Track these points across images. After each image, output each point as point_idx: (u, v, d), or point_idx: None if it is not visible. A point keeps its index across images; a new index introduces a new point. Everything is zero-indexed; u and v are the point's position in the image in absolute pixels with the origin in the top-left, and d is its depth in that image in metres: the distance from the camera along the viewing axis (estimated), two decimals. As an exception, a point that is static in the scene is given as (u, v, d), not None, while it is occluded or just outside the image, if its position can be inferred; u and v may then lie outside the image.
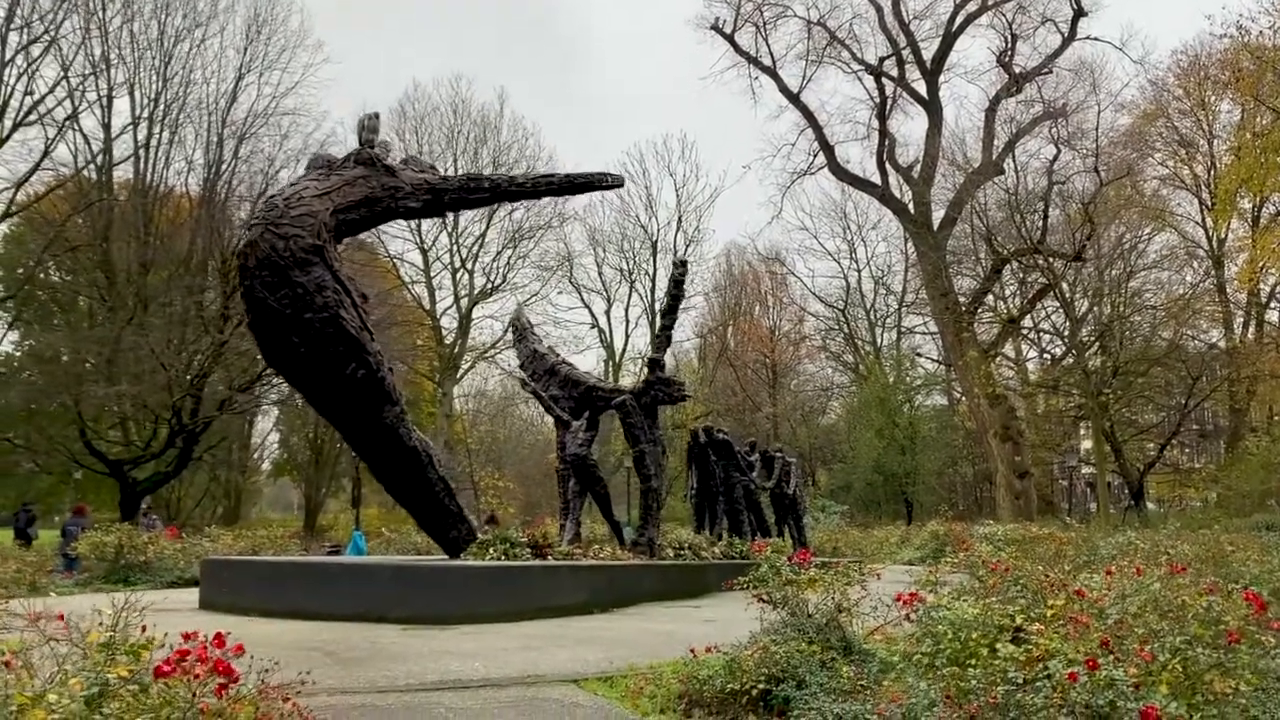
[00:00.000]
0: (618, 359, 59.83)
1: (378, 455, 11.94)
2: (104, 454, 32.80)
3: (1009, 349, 57.22)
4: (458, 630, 9.78)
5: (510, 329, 18.73)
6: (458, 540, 12.56)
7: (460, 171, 49.75)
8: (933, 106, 51.60)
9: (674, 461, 37.57)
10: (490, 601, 10.77)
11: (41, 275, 43.56)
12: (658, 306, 59.44)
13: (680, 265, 16.66)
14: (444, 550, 12.71)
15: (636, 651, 8.50)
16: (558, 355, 17.29)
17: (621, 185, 12.78)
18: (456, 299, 50.60)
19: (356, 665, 7.74)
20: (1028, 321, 53.64)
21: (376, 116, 12.00)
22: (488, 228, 50.65)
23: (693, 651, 7.16)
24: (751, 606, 7.97)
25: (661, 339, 16.46)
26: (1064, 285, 46.20)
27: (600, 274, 58.03)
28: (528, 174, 13.55)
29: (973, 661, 5.23)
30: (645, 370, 16.62)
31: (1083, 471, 59.26)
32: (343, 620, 10.35)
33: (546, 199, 43.11)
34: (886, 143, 52.59)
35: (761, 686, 6.54)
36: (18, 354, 45.65)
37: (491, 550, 12.27)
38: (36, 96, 32.71)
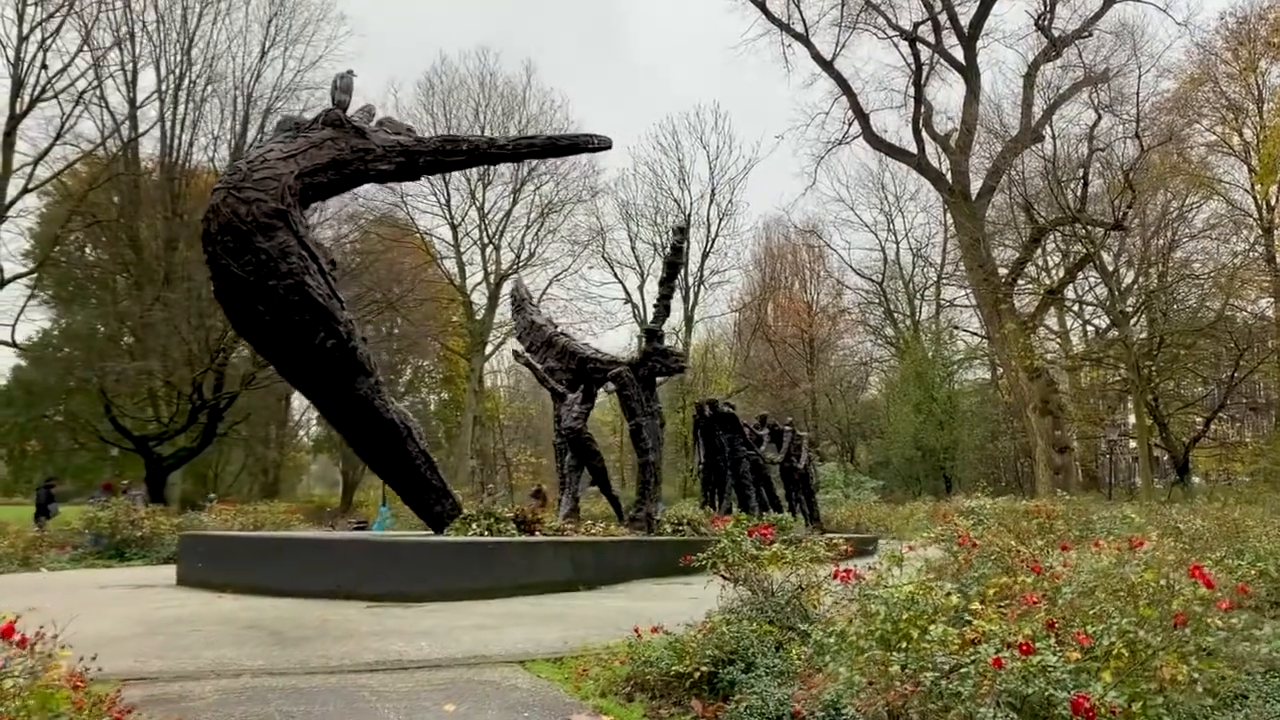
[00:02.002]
0: (654, 336, 59.23)
1: (354, 428, 11.62)
2: (129, 430, 32.97)
3: (1052, 321, 56.01)
4: (423, 608, 9.44)
5: (510, 300, 18.25)
6: (441, 515, 12.26)
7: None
8: (970, 72, 50.32)
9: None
10: (464, 579, 10.42)
11: (77, 253, 43.97)
12: (690, 281, 58.98)
13: (679, 231, 16.16)
14: (428, 525, 12.41)
15: (600, 631, 8.11)
16: (556, 326, 16.88)
17: (609, 147, 12.30)
18: (486, 274, 50.36)
19: (296, 645, 7.42)
20: (1070, 293, 52.35)
21: (350, 75, 11.63)
22: (515, 202, 50.31)
23: (636, 631, 6.75)
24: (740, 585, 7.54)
25: (660, 309, 15.95)
26: (1105, 255, 44.92)
27: (633, 248, 57.43)
28: (508, 136, 13.09)
29: (904, 644, 4.76)
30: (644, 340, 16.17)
31: (1130, 445, 57.97)
32: (313, 597, 10.06)
33: (551, 161, 42.22)
34: (923, 110, 51.44)
35: (705, 669, 6.16)
36: (54, 332, 46.14)
37: (474, 525, 11.91)
38: (53, 71, 32.82)
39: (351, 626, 8.30)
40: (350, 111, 11.59)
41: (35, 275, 40.09)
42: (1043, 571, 5.38)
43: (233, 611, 9.18)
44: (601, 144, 12.28)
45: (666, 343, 16.01)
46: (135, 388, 34.45)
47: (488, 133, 48.50)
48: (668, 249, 16.06)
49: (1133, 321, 45.29)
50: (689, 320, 58.93)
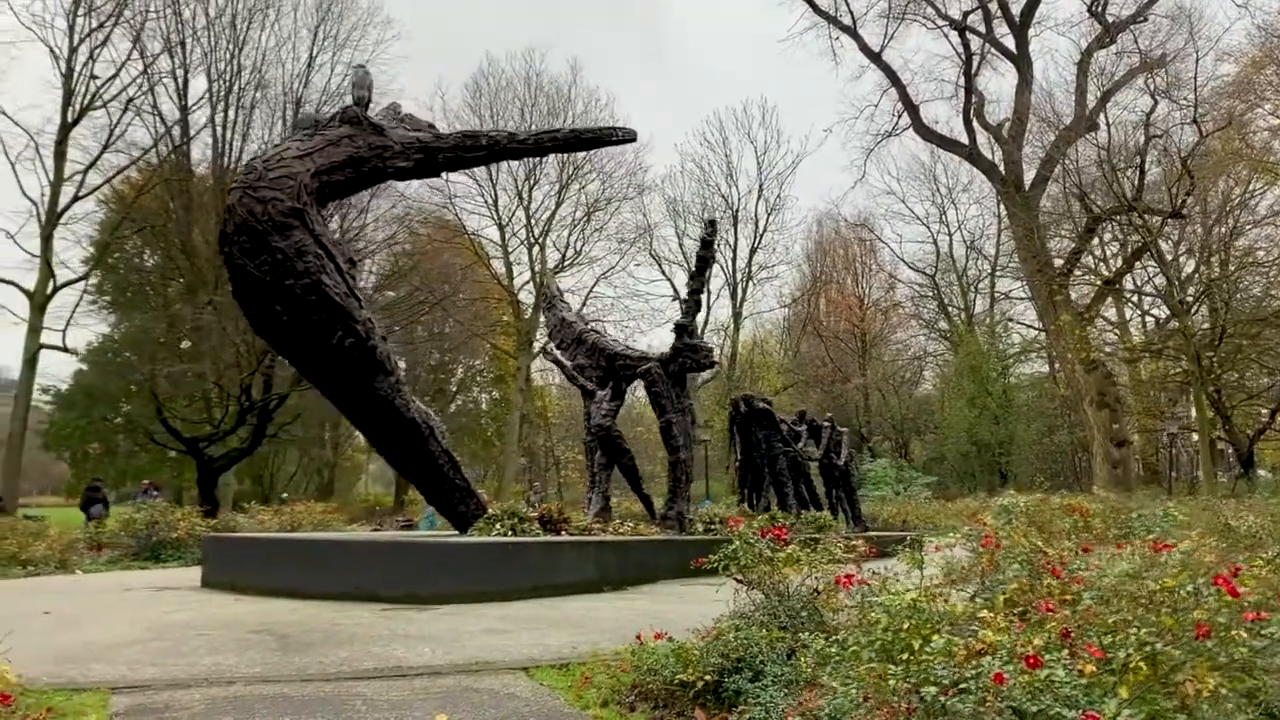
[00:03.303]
0: (700, 331, 58.81)
1: (375, 427, 11.49)
2: (179, 432, 33.34)
3: (1110, 312, 54.68)
4: (437, 611, 9.26)
5: (541, 297, 18.04)
6: (466, 515, 12.09)
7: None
8: (1022, 61, 49.27)
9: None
10: (482, 581, 10.22)
11: (135, 259, 44.64)
12: (739, 277, 58.54)
13: (709, 225, 15.83)
14: (453, 525, 12.25)
15: (614, 636, 7.85)
16: (586, 323, 16.65)
17: (634, 139, 12.03)
18: (534, 274, 50.31)
19: (299, 651, 7.27)
20: (1129, 283, 51.03)
21: (365, 70, 11.48)
22: (560, 201, 50.21)
23: (639, 638, 6.48)
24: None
25: (690, 303, 15.65)
26: (1164, 244, 43.70)
27: (680, 245, 57.01)
28: (530, 130, 12.85)
29: (905, 655, 4.45)
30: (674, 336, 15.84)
31: (1192, 439, 56.47)
32: (332, 600, 9.94)
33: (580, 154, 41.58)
34: (974, 100, 50.48)
35: (709, 678, 5.89)
36: (115, 337, 46.94)
37: (498, 525, 11.72)
38: (103, 80, 33.25)
39: (359, 631, 8.14)
40: (377, 110, 11.46)
41: (96, 281, 40.88)
42: (1062, 575, 5.02)
43: (244, 615, 9.06)
44: (626, 136, 12.00)
45: (697, 338, 15.68)
46: (187, 390, 34.87)
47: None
48: (699, 244, 15.73)
49: (1193, 311, 44.02)
50: (737, 317, 58.50)
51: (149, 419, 34.33)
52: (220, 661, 6.90)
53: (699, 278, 15.52)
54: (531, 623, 8.64)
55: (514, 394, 49.74)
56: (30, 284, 31.47)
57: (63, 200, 32.28)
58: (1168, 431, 44.54)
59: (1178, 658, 3.98)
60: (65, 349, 32.25)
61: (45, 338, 31.60)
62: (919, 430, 64.64)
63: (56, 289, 31.95)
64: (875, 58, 51.55)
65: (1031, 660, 3.99)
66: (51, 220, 31.77)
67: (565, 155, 48.88)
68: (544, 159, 49.21)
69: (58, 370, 44.07)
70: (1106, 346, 51.37)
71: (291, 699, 6.02)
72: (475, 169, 48.95)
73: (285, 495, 41.04)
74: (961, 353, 58.00)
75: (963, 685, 4.00)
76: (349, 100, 11.22)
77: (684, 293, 54.14)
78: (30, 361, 31.68)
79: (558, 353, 15.72)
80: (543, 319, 15.99)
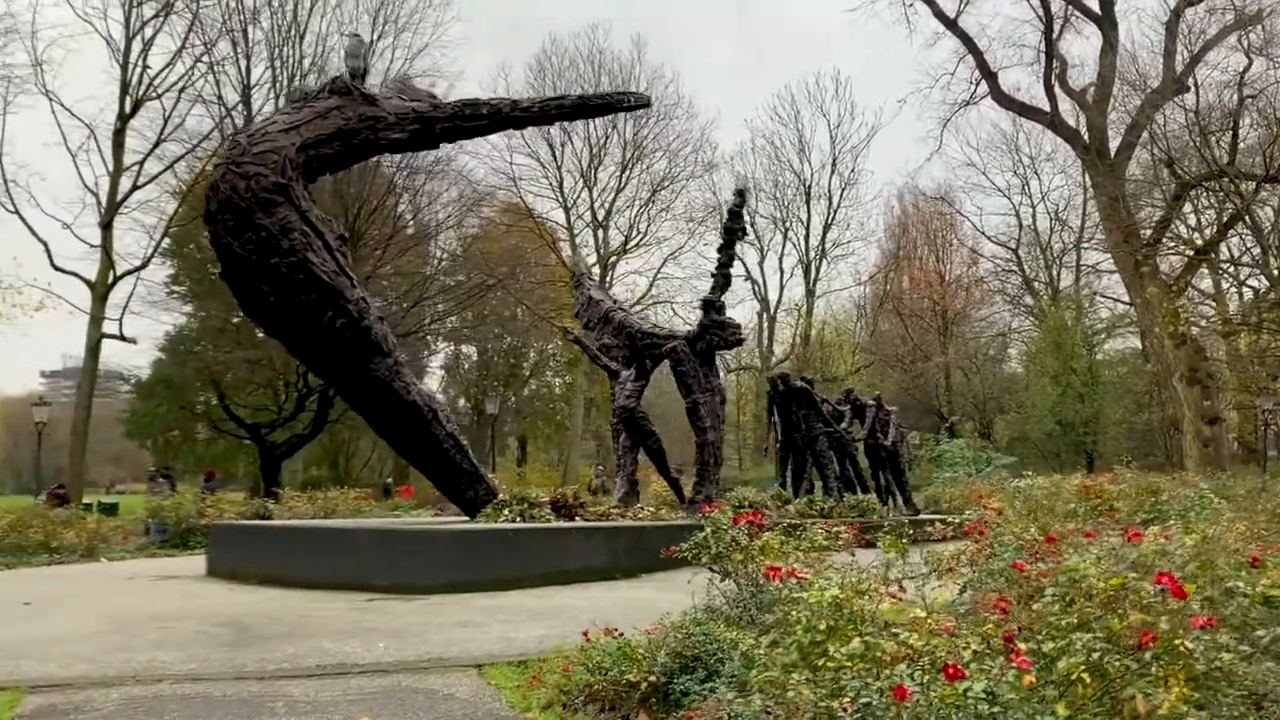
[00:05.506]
0: (772, 311, 57.88)
1: (374, 410, 11.13)
2: (241, 419, 33.70)
3: (1205, 283, 52.24)
4: (422, 601, 8.83)
5: (571, 276, 17.56)
6: (474, 500, 11.67)
7: (602, 130, 49.02)
8: (1107, 22, 47.08)
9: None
10: (480, 569, 9.79)
11: (210, 248, 45.20)
12: (812, 255, 57.37)
13: (738, 195, 15.11)
14: (462, 511, 11.84)
15: (594, 629, 7.33)
16: (614, 301, 16.07)
17: (648, 105, 11.44)
18: (599, 256, 49.88)
19: (250, 646, 6.92)
20: (1223, 253, 48.58)
21: (358, 38, 11.09)
22: (624, 183, 49.58)
23: (585, 635, 5.96)
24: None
25: (719, 278, 14.93)
26: (1259, 211, 41.41)
27: (753, 223, 55.70)
28: (535, 97, 12.33)
29: (821, 661, 3.84)
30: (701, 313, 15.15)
31: (1295, 415, 53.74)
32: (324, 589, 9.60)
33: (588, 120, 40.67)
34: (1055, 66, 48.45)
35: (653, 679, 5.38)
36: (193, 325, 47.83)
37: (506, 511, 11.27)
38: (160, 69, 33.62)
39: (325, 624, 7.76)
40: (383, 81, 11.05)
41: (172, 272, 41.61)
42: (1027, 569, 4.34)
43: (221, 606, 8.76)
44: (639, 101, 11.41)
45: (725, 315, 14.97)
46: (247, 377, 35.19)
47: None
48: (726, 214, 15.05)
49: (1294, 281, 41.72)
50: (810, 295, 57.34)
51: (217, 406, 34.78)
52: (158, 658, 6.57)
53: (727, 251, 14.82)
54: (511, 614, 8.16)
55: (580, 377, 49.41)
56: (91, 274, 32.08)
57: (121, 190, 32.74)
58: (1265, 408, 42.35)
59: (1133, 669, 3.32)
60: (124, 338, 32.72)
61: (108, 328, 32.13)
62: (1002, 409, 62.67)
63: (117, 279, 32.42)
64: (951, 24, 49.77)
65: (950, 670, 3.35)
66: (111, 210, 32.22)
67: (630, 134, 48.37)
68: (608, 137, 48.72)
69: (135, 360, 44.89)
70: (1201, 319, 49.09)
71: (211, 699, 5.69)
72: (539, 152, 48.96)
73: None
74: (1045, 328, 56.01)
75: (864, 699, 3.39)
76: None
77: (754, 272, 53.49)
78: (93, 351, 32.23)
79: (580, 333, 15.22)
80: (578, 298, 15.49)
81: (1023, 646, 3.44)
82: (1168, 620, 3.15)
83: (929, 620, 3.83)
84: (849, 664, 3.69)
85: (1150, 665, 3.16)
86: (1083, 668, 3.37)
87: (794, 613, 4.15)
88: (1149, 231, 46.30)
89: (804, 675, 3.70)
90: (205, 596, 9.55)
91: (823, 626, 3.90)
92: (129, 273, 33.19)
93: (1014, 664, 3.34)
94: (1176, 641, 3.06)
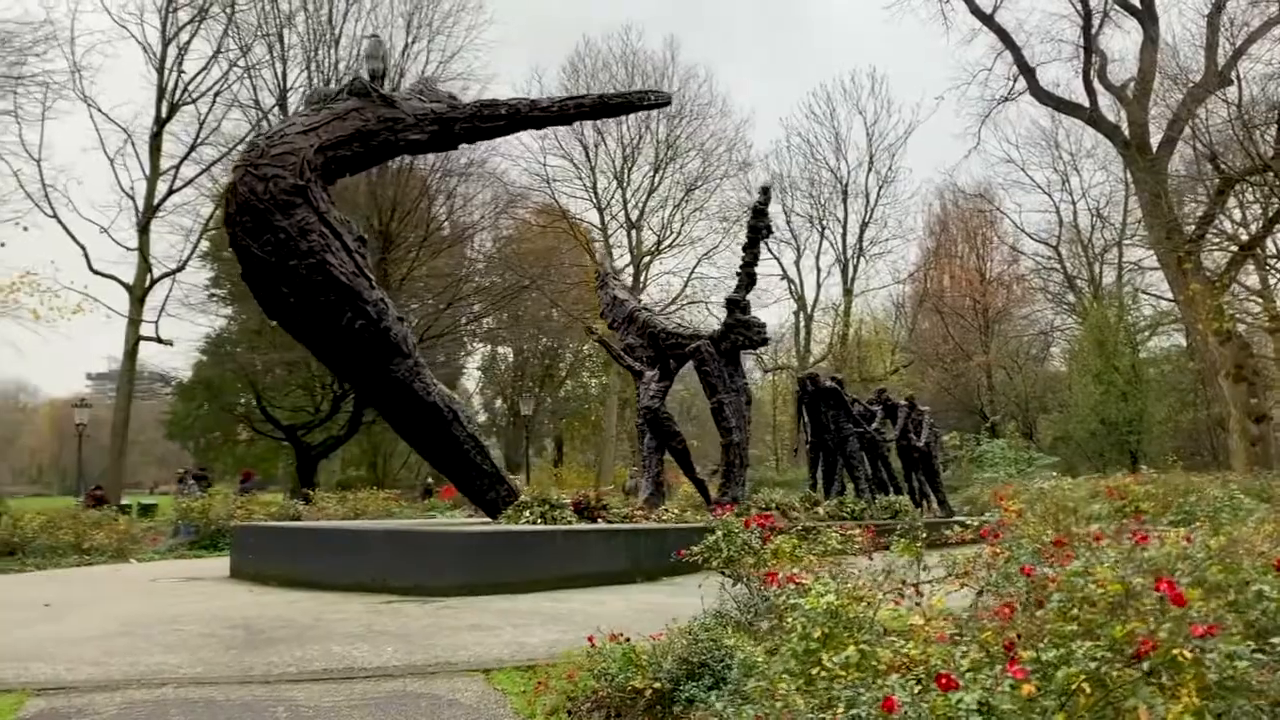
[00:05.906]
0: (809, 310, 57.48)
1: (395, 411, 11.12)
2: (277, 420, 33.94)
3: (1251, 279, 51.21)
4: (437, 604, 8.77)
5: (596, 276, 17.47)
6: (496, 502, 11.62)
7: (635, 130, 48.97)
8: (1147, 17, 46.34)
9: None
10: (497, 572, 9.72)
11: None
12: (849, 254, 56.90)
13: (763, 192, 14.96)
14: (484, 512, 11.80)
15: (606, 633, 7.24)
16: (639, 301, 15.98)
17: (668, 103, 11.27)
18: (633, 256, 49.80)
19: (258, 649, 6.89)
20: (1270, 248, 47.57)
21: (376, 39, 11.06)
22: (657, 183, 49.45)
23: (590, 640, 5.85)
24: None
25: (743, 277, 14.78)
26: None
27: (789, 222, 55.54)
28: (554, 97, 12.23)
29: (815, 670, 3.71)
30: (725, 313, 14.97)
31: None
32: (342, 590, 9.61)
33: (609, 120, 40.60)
34: (1094, 61, 47.74)
35: (659, 685, 5.28)
36: (233, 327, 48.32)
37: (527, 513, 11.20)
38: (195, 74, 33.97)
39: (336, 626, 7.72)
40: (404, 83, 11.00)
41: (212, 275, 42.03)
42: (1034, 574, 4.19)
43: (235, 609, 8.76)
44: (660, 100, 11.31)
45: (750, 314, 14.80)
46: (285, 378, 35.47)
47: (632, 115, 47.66)
48: (750, 213, 14.89)
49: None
50: (848, 294, 56.85)
51: (255, 408, 35.07)
52: (166, 661, 6.55)
53: (752, 249, 14.68)
54: (525, 618, 8.07)
55: (613, 377, 49.35)
56: (129, 277, 32.44)
57: (158, 194, 33.09)
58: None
59: (1134, 679, 3.16)
60: (160, 340, 33.06)
61: (145, 330, 32.46)
62: (1045, 408, 61.87)
63: (154, 282, 32.80)
64: (987, 20, 49.21)
65: (943, 680, 3.22)
66: (148, 214, 32.59)
67: (664, 134, 48.27)
68: (641, 138, 48.62)
69: (175, 361, 45.31)
70: (1247, 316, 48.16)
71: (214, 703, 5.65)
72: (573, 154, 48.97)
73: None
74: (1087, 326, 55.21)
75: (853, 711, 3.26)
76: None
77: (791, 271, 53.13)
78: (131, 353, 32.61)
79: (603, 333, 15.11)
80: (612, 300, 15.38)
81: (1023, 655, 3.29)
82: (1168, 629, 2.99)
83: (926, 628, 3.68)
84: (843, 673, 3.57)
85: (1154, 675, 3.00)
86: (1083, 677, 3.22)
87: (789, 619, 4.02)
88: (1192, 227, 45.47)
89: (797, 684, 3.58)
90: (223, 598, 9.56)
91: (818, 634, 3.77)
92: (165, 275, 33.57)
93: (1010, 673, 3.20)
94: (1175, 651, 2.90)
